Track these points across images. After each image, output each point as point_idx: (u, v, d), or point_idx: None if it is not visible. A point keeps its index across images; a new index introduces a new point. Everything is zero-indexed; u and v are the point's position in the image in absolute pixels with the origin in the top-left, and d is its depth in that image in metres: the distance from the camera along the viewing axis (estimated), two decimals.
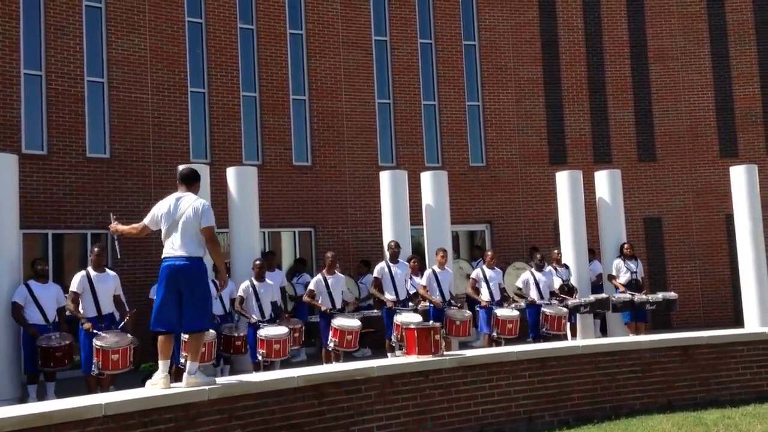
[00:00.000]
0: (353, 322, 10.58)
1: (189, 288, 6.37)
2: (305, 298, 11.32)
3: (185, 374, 6.31)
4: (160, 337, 6.50)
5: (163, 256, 6.48)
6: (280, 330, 10.09)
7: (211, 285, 10.41)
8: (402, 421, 7.21)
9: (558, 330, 11.92)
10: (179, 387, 6.29)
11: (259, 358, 9.92)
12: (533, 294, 12.17)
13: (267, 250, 14.12)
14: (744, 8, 18.14)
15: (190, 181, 6.68)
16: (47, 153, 13.14)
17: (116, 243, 7.07)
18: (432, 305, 11.48)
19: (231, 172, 12.22)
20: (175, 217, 6.42)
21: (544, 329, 11.85)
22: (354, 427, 6.93)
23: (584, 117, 17.58)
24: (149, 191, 13.75)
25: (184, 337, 8.78)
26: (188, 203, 6.45)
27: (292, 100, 15.67)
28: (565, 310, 12.09)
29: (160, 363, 6.42)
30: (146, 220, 6.63)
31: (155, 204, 6.69)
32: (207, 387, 6.19)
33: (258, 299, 10.58)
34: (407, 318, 10.60)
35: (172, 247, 6.42)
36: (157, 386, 6.25)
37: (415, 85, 16.71)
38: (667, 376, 8.66)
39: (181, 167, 7.01)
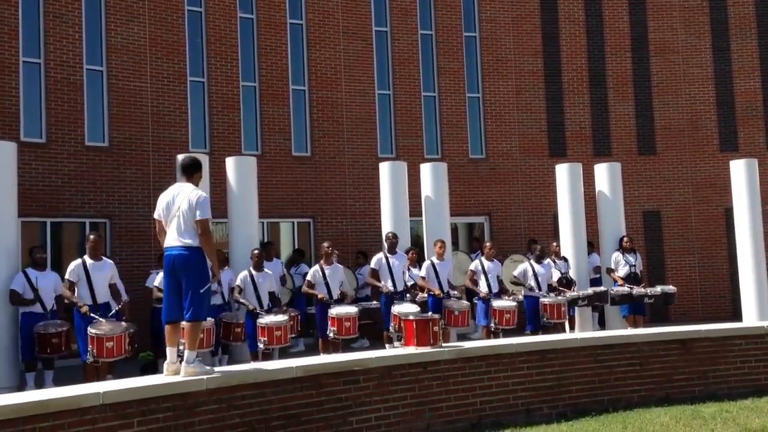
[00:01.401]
0: (350, 309, 10.63)
1: (185, 276, 6.42)
2: (304, 288, 11.32)
3: (183, 363, 6.32)
4: (167, 326, 6.54)
5: (163, 246, 6.55)
6: (280, 317, 10.12)
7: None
8: (400, 412, 7.21)
9: (558, 318, 11.92)
10: (177, 376, 6.30)
11: (261, 346, 9.94)
12: (531, 284, 12.16)
13: (265, 240, 14.10)
14: (745, 2, 18.10)
15: (190, 171, 6.71)
16: (46, 141, 13.11)
17: None
18: (431, 296, 11.48)
19: (230, 162, 12.19)
20: (172, 210, 6.49)
21: (544, 318, 11.85)
22: (352, 418, 6.93)
23: (584, 110, 17.55)
24: (148, 180, 13.73)
25: (182, 324, 8.83)
26: (185, 195, 6.49)
27: (291, 91, 15.63)
28: (562, 297, 12.10)
29: (167, 350, 6.49)
30: (155, 215, 6.68)
31: (158, 194, 6.74)
32: (205, 376, 6.19)
33: (256, 289, 10.57)
34: (405, 308, 10.59)
35: (169, 238, 6.51)
36: (168, 372, 6.36)
37: (415, 76, 16.67)
38: (665, 370, 8.66)
39: (180, 156, 6.98)
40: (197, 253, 6.46)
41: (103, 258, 9.59)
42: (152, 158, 13.90)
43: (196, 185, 6.65)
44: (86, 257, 9.34)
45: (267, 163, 14.75)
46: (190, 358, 6.34)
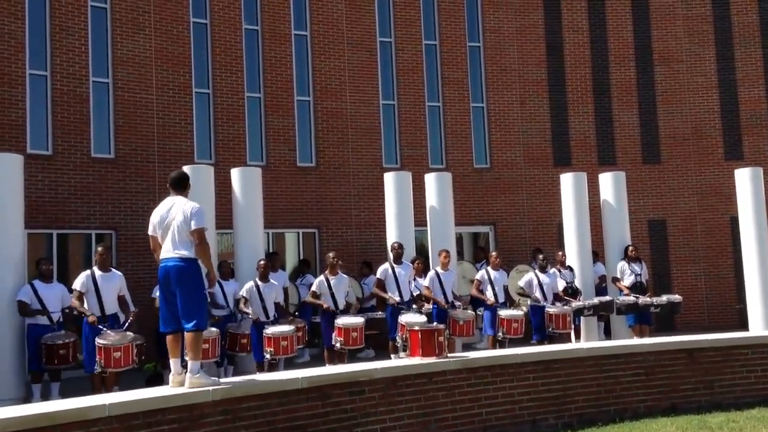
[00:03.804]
0: (356, 319, 10.60)
1: (180, 287, 6.48)
2: (308, 299, 11.31)
3: (188, 374, 6.34)
4: (168, 337, 6.58)
5: (159, 258, 6.60)
6: (286, 327, 10.11)
7: (216, 287, 10.44)
8: (406, 423, 7.20)
9: (563, 328, 11.89)
10: (183, 387, 6.33)
11: (267, 356, 9.91)
12: (537, 295, 12.14)
13: (271, 251, 14.12)
14: (749, 10, 18.11)
15: (182, 185, 6.81)
16: (52, 153, 13.17)
17: None
18: (436, 306, 11.47)
19: (235, 173, 12.22)
20: (167, 222, 6.57)
21: (549, 329, 11.83)
22: (357, 429, 6.92)
23: (589, 119, 17.56)
24: (154, 192, 13.76)
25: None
26: (179, 208, 6.60)
27: (296, 101, 15.67)
28: (568, 308, 12.08)
29: (171, 362, 6.51)
30: (150, 231, 6.74)
31: (155, 207, 6.78)
32: (211, 388, 6.20)
33: (262, 300, 10.57)
34: (411, 319, 10.59)
35: (165, 249, 6.58)
36: (174, 383, 6.39)
37: (420, 86, 16.70)
38: (671, 379, 8.64)
39: (170, 176, 7.03)
40: (193, 264, 6.54)
41: (112, 269, 9.64)
42: (158, 169, 13.94)
43: (187, 198, 6.76)
44: (95, 268, 9.39)
45: (272, 174, 14.78)
46: (195, 369, 6.36)
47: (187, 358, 6.42)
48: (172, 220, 6.54)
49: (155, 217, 6.67)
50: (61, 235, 13.16)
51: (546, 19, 17.59)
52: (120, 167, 13.74)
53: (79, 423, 5.32)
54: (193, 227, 6.50)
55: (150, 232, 6.72)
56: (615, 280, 13.18)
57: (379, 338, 12.54)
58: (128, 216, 13.63)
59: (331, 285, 10.89)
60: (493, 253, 12.60)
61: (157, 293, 10.36)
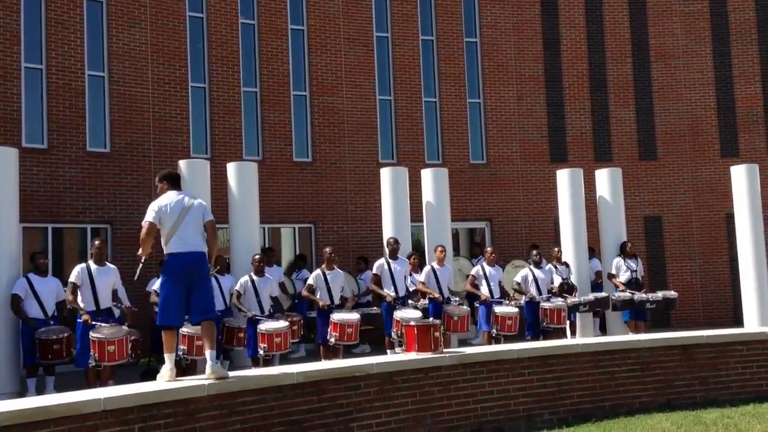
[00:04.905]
0: (352, 315, 10.61)
1: (201, 279, 6.53)
2: (304, 293, 11.30)
3: (210, 365, 6.31)
4: (167, 332, 6.56)
5: (173, 251, 6.49)
6: (280, 323, 10.10)
7: (213, 281, 10.46)
8: (401, 418, 7.20)
9: (558, 323, 11.90)
10: (185, 380, 6.34)
11: (261, 352, 9.91)
12: (532, 291, 12.15)
13: (266, 246, 14.11)
14: (746, 7, 18.12)
15: (178, 182, 6.84)
16: (47, 147, 13.13)
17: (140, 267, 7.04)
18: (431, 301, 11.47)
19: (231, 168, 12.20)
20: (184, 207, 6.53)
21: (544, 323, 11.84)
22: (353, 424, 6.92)
23: (585, 115, 17.56)
24: (149, 186, 13.70)
25: (183, 331, 8.83)
26: (191, 200, 6.65)
27: (292, 96, 15.65)
28: (563, 302, 12.08)
29: (166, 356, 6.51)
30: (151, 219, 6.51)
31: (153, 202, 6.70)
32: (206, 382, 6.19)
33: (257, 295, 10.56)
34: (407, 314, 10.58)
35: (184, 242, 6.49)
36: (164, 378, 6.35)
37: (416, 81, 16.69)
38: (666, 375, 8.65)
39: (163, 172, 7.00)
40: (206, 257, 6.62)
41: (107, 263, 9.62)
42: (153, 164, 13.90)
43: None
44: (90, 262, 9.39)
45: (268, 169, 14.76)
46: (215, 357, 6.39)
47: (207, 348, 6.42)
48: (188, 209, 6.52)
49: (163, 205, 6.53)
50: (56, 229, 13.13)
51: (543, 15, 17.58)
52: (115, 161, 13.71)
53: (74, 417, 5.30)
54: (207, 219, 6.60)
55: (152, 219, 6.48)
56: (611, 276, 13.20)
57: (375, 334, 12.53)
58: (123, 210, 13.60)
59: (328, 279, 10.89)
60: (488, 249, 12.59)
61: (154, 287, 10.40)
